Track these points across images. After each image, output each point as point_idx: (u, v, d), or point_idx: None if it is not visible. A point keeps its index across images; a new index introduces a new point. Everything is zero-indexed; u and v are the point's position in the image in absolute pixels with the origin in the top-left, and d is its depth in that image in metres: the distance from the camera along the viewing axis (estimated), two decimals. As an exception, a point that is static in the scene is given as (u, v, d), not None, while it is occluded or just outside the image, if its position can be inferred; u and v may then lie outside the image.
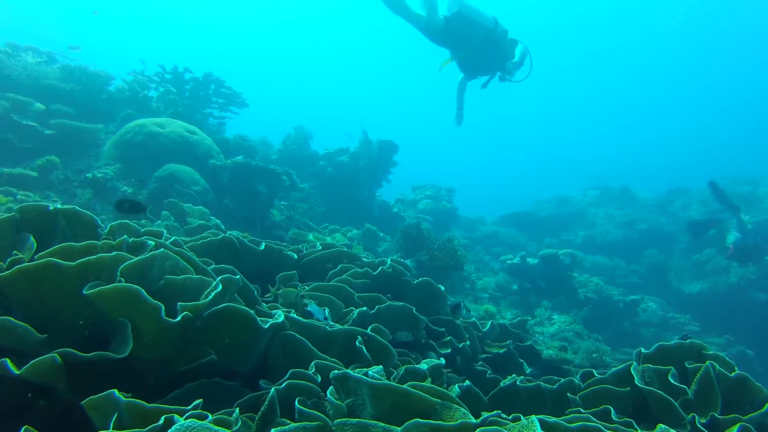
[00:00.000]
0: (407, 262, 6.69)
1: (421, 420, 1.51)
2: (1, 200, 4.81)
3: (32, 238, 2.13)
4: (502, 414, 1.76)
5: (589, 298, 8.31)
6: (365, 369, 2.02)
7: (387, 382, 1.73)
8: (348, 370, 1.85)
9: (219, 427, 1.28)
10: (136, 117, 7.36)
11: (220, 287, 1.94)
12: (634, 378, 2.56)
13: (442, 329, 3.57)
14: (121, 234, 2.17)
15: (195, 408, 1.57)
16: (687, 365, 2.66)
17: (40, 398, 1.93)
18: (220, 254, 3.35)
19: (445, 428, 1.49)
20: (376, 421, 1.68)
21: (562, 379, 2.90)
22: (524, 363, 4.14)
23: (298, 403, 1.72)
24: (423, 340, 3.36)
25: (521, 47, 6.16)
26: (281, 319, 2.06)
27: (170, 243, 2.26)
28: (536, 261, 8.79)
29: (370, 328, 2.78)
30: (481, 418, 1.61)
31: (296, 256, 3.69)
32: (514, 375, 3.27)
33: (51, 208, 2.21)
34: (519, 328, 4.92)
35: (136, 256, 1.92)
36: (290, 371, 1.93)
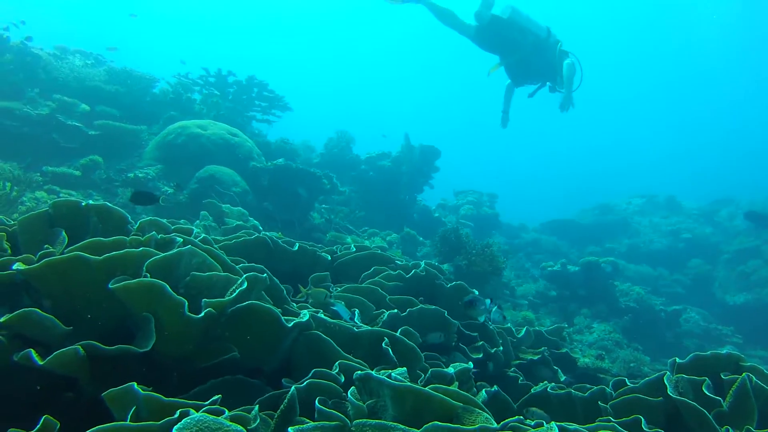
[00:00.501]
0: (445, 266, 6.65)
1: (440, 423, 1.48)
2: (44, 198, 4.94)
3: (64, 233, 2.16)
4: (525, 420, 1.71)
5: (630, 308, 8.11)
6: (389, 371, 1.99)
7: (408, 384, 1.69)
8: (370, 371, 1.81)
9: (233, 423, 1.26)
10: (179, 119, 7.51)
11: (245, 285, 1.93)
12: (666, 388, 2.47)
13: (475, 334, 3.51)
14: (151, 230, 2.19)
15: (213, 403, 1.56)
16: (723, 377, 2.56)
17: (67, 391, 1.96)
18: (253, 254, 3.37)
19: (463, 431, 1.44)
20: (396, 423, 1.64)
21: (594, 387, 2.82)
22: (559, 370, 4.05)
23: (319, 403, 1.69)
24: (453, 344, 3.31)
25: (569, 61, 6.00)
26: (306, 318, 2.04)
27: (199, 241, 2.27)
28: (577, 268, 8.62)
29: (399, 330, 2.74)
30: (503, 422, 1.56)
31: (330, 258, 3.68)
32: (545, 382, 3.19)
33: (83, 204, 2.24)
34: (555, 336, 4.81)
35: (164, 253, 1.93)
36: (313, 371, 1.91)
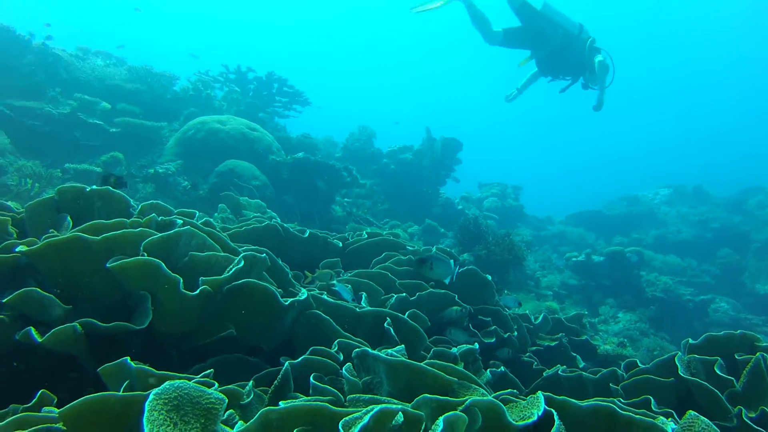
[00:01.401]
0: (464, 256, 6.62)
1: (429, 395, 1.46)
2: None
3: (69, 218, 2.20)
4: (519, 394, 1.69)
5: (657, 298, 7.98)
6: (389, 349, 1.98)
7: (402, 359, 1.69)
8: (367, 348, 1.81)
9: (213, 390, 1.26)
10: (199, 115, 7.58)
11: (242, 264, 1.94)
12: (678, 368, 2.42)
13: (488, 318, 3.48)
14: (152, 213, 2.21)
15: (205, 377, 1.57)
16: (737, 357, 2.50)
17: (71, 371, 1.99)
18: (264, 241, 3.39)
19: (453, 403, 1.43)
20: (389, 398, 1.64)
21: (605, 370, 2.78)
22: (578, 357, 4.00)
23: (313, 379, 1.70)
24: (464, 327, 3.29)
25: (601, 58, 5.95)
26: (304, 296, 2.04)
27: (201, 223, 2.29)
28: (602, 259, 8.51)
29: (407, 313, 2.73)
30: (494, 394, 1.54)
31: (341, 244, 3.69)
32: (558, 365, 3.15)
33: (87, 189, 2.27)
34: (575, 323, 4.76)
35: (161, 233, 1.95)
36: (311, 348, 1.91)
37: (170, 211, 2.36)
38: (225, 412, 1.36)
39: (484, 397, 1.53)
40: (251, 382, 1.68)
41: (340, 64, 54.08)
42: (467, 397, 1.49)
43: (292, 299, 1.98)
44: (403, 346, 2.01)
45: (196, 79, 8.59)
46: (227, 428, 1.27)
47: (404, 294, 3.01)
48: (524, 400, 1.50)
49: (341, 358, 1.93)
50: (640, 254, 8.48)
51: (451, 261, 2.81)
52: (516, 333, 3.60)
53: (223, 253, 2.06)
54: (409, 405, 1.53)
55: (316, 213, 7.36)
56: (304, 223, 6.69)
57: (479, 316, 3.46)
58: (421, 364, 1.66)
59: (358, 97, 52.38)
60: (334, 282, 2.49)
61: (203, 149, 6.87)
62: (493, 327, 3.42)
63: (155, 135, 7.04)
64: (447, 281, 2.90)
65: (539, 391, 1.42)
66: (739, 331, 2.67)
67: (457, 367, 1.78)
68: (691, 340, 2.71)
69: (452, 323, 3.25)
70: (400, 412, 1.23)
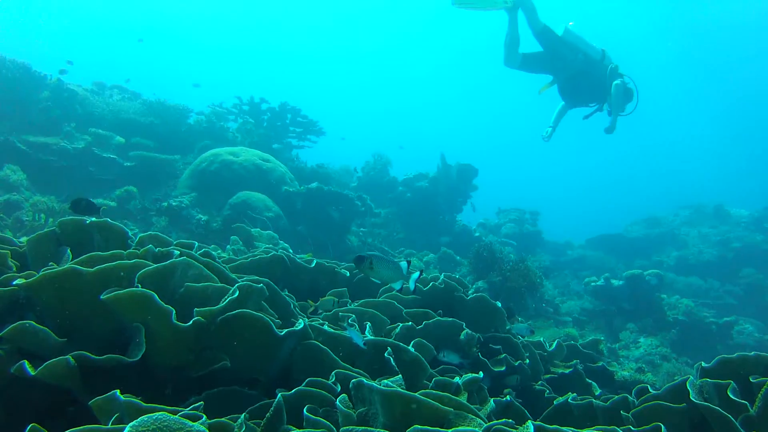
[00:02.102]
0: (479, 283, 6.56)
1: (419, 426, 1.42)
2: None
3: (69, 251, 2.21)
4: (512, 422, 1.64)
5: (679, 321, 7.83)
6: (386, 380, 1.95)
7: (396, 389, 1.65)
8: (363, 378, 1.78)
9: (195, 424, 1.24)
10: (213, 147, 7.67)
11: (237, 294, 1.93)
12: (689, 393, 2.34)
13: (498, 346, 3.42)
14: (152, 244, 2.22)
15: (194, 409, 1.54)
16: (751, 380, 2.41)
17: (69, 404, 1.98)
18: (270, 272, 3.38)
19: (443, 434, 1.39)
20: (383, 430, 1.60)
21: (616, 396, 2.71)
22: (593, 384, 3.90)
23: (306, 411, 1.67)
24: (470, 359, 3.23)
25: (618, 82, 5.94)
26: (300, 326, 2.02)
27: (199, 254, 2.28)
28: (621, 282, 8.42)
29: (412, 342, 2.69)
30: (487, 425, 1.50)
31: (348, 274, 3.66)
32: (570, 393, 3.07)
33: (87, 221, 2.29)
34: (591, 349, 4.67)
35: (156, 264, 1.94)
36: (307, 380, 1.88)
37: (169, 242, 2.37)
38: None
39: (470, 427, 1.48)
40: (243, 414, 1.65)
41: (356, 92, 54.41)
42: (462, 427, 1.45)
43: (287, 330, 1.95)
44: (400, 375, 1.97)
45: (210, 111, 8.72)
46: (208, 462, 1.24)
47: (410, 323, 2.97)
48: (514, 429, 1.45)
49: (338, 389, 1.90)
50: (660, 277, 8.34)
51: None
52: (528, 361, 3.54)
53: (219, 284, 2.05)
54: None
55: (330, 243, 7.36)
56: (317, 253, 6.68)
57: (489, 344, 3.41)
58: (416, 394, 1.63)
59: (375, 126, 52.58)
60: (345, 325, 2.44)
61: (216, 181, 6.93)
62: (503, 355, 3.36)
63: (169, 168, 7.13)
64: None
65: (528, 421, 1.37)
66: (753, 353, 2.58)
67: (454, 397, 1.74)
68: (704, 363, 2.62)
69: (459, 348, 3.20)
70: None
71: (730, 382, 2.37)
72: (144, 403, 1.52)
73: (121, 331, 1.93)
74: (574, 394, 3.03)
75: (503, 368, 3.28)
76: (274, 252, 3.44)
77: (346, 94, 54.04)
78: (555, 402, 2.94)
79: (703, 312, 8.36)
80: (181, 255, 2.10)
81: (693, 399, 2.33)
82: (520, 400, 3.02)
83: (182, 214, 6.32)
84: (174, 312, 1.76)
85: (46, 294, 1.88)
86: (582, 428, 2.84)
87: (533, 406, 3.15)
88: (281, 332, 1.92)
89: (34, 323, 1.77)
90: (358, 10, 41.59)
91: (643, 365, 5.54)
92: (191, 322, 1.77)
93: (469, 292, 6.25)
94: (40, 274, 1.86)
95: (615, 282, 8.46)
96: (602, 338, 5.44)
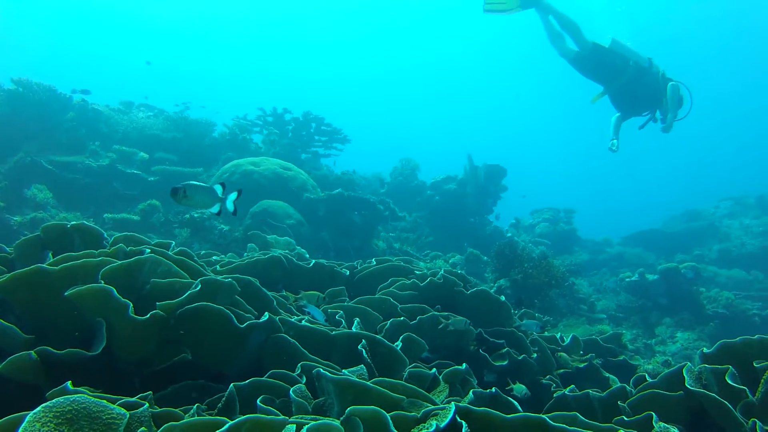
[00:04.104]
0: (501, 281, 6.48)
1: (362, 408, 1.40)
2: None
3: (50, 254, 2.27)
4: (449, 407, 1.60)
5: (719, 314, 7.56)
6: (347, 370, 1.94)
7: (347, 377, 1.64)
8: (320, 368, 1.77)
9: (115, 406, 1.25)
10: (236, 159, 7.79)
11: (198, 287, 1.94)
12: (685, 380, 2.26)
13: (501, 341, 3.35)
14: (127, 245, 2.26)
15: (143, 398, 1.56)
16: (755, 365, 2.31)
17: (40, 401, 2.02)
18: (269, 273, 3.41)
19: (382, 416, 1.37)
20: (332, 419, 1.59)
21: (614, 387, 2.63)
22: (612, 378, 3.81)
23: (260, 401, 1.67)
24: (472, 350, 3.19)
25: (674, 83, 6.00)
26: (264, 319, 2.02)
27: (175, 253, 2.32)
28: (656, 277, 8.20)
29: (401, 337, 2.67)
30: (423, 410, 1.47)
31: (348, 273, 3.66)
32: (572, 386, 3.00)
33: (68, 225, 2.35)
34: (612, 343, 4.55)
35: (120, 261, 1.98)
36: (269, 372, 1.89)
37: (144, 241, 2.41)
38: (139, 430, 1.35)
39: (416, 415, 1.46)
40: (196, 405, 1.66)
41: (383, 98, 54.13)
42: (396, 411, 1.43)
43: (249, 322, 1.96)
44: (362, 366, 1.95)
45: (233, 124, 8.87)
46: (130, 445, 1.25)
47: (402, 318, 2.95)
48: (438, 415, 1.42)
49: (304, 380, 1.89)
50: (696, 269, 8.08)
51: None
52: (535, 355, 3.47)
53: (188, 280, 2.07)
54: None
55: (352, 248, 7.37)
56: (340, 259, 6.70)
57: (492, 339, 3.35)
58: (367, 382, 1.61)
59: (403, 131, 52.33)
60: (305, 304, 2.45)
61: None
62: (506, 349, 3.30)
63: (193, 180, 7.25)
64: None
65: (452, 402, 1.34)
66: (756, 336, 2.47)
67: (409, 385, 1.72)
68: (705, 349, 2.52)
69: (460, 338, 3.16)
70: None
71: (729, 368, 2.27)
72: (91, 392, 1.54)
73: (90, 328, 1.97)
74: (572, 386, 2.96)
75: (505, 362, 3.21)
76: (272, 253, 3.47)
77: (374, 101, 53.90)
78: (555, 395, 2.88)
79: (746, 304, 8.06)
80: (151, 253, 2.13)
81: (688, 386, 2.24)
82: (528, 394, 2.97)
83: (204, 225, 6.42)
84: (131, 306, 1.78)
85: (20, 294, 1.93)
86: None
87: (540, 401, 3.09)
88: (242, 324, 1.93)
89: (2, 321, 1.82)
90: (386, 9, 41.81)
91: (669, 358, 5.36)
92: (148, 315, 1.79)
93: (492, 290, 6.21)
94: (10, 274, 1.91)
95: (650, 277, 8.25)
96: (623, 332, 5.31)
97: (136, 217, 6.13)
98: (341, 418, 1.26)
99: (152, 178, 6.81)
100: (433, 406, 1.58)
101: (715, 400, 2.14)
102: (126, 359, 1.89)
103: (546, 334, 4.34)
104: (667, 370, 2.50)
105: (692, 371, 2.38)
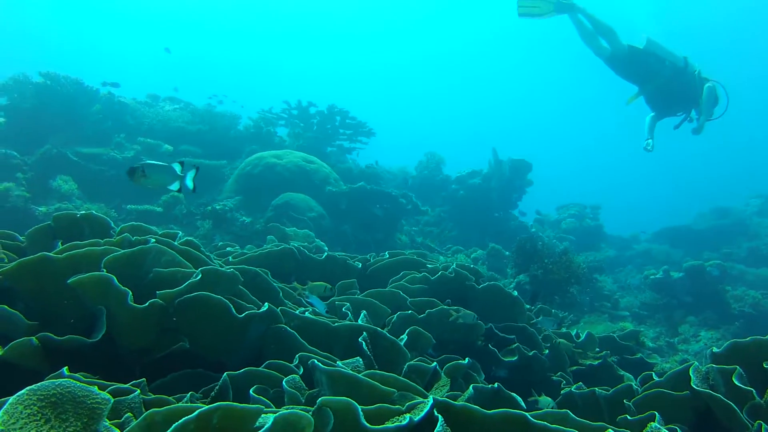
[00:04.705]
0: (521, 277, 6.42)
1: (333, 398, 1.41)
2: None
3: (60, 243, 2.32)
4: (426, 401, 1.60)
5: (745, 313, 7.41)
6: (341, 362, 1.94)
7: (339, 369, 1.65)
8: (315, 360, 1.78)
9: (102, 392, 1.27)
10: (260, 152, 7.85)
11: (198, 277, 1.97)
12: (691, 380, 2.21)
13: (512, 336, 3.33)
14: (133, 234, 2.30)
15: (135, 386, 1.59)
16: (765, 366, 2.26)
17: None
18: (281, 265, 3.44)
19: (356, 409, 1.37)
20: (304, 409, 1.60)
21: (622, 385, 2.59)
22: (627, 375, 3.75)
23: (253, 391, 1.68)
24: (480, 345, 3.17)
25: (710, 84, 5.98)
26: (264, 309, 2.03)
27: (181, 243, 2.35)
28: (680, 274, 8.07)
29: (407, 330, 2.67)
30: (408, 403, 1.47)
31: (360, 266, 3.67)
32: (580, 383, 2.97)
33: (78, 215, 2.40)
34: (629, 340, 4.49)
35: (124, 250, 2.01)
36: (267, 362, 1.90)
37: (150, 231, 2.44)
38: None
39: (400, 407, 1.46)
40: (190, 393, 1.69)
41: (409, 92, 53.80)
42: (378, 405, 1.43)
43: (248, 312, 1.98)
44: (358, 358, 1.96)
45: (258, 117, 8.93)
46: (114, 428, 1.27)
47: (410, 312, 2.95)
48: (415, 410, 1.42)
49: (301, 371, 1.91)
50: (723, 267, 7.94)
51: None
52: (547, 351, 3.43)
53: (190, 270, 2.09)
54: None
55: (373, 242, 7.38)
56: (361, 252, 6.72)
57: (501, 334, 3.32)
58: (358, 374, 1.62)
59: (429, 125, 51.94)
60: (307, 294, 2.46)
61: (261, 184, 7.09)
62: (516, 345, 3.27)
63: (216, 173, 7.35)
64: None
65: (431, 396, 1.34)
66: (767, 336, 2.41)
67: (401, 378, 1.72)
68: (714, 348, 2.47)
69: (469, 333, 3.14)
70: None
71: (736, 368, 2.23)
72: (86, 378, 1.57)
73: (93, 316, 2.01)
74: (580, 383, 2.93)
75: (515, 358, 3.19)
76: (284, 245, 3.50)
77: (401, 95, 53.60)
78: (562, 392, 2.86)
79: (775, 303, 7.90)
80: (157, 242, 2.16)
81: (694, 386, 2.20)
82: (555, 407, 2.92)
83: (226, 217, 6.49)
84: (130, 294, 1.81)
85: (26, 281, 1.98)
86: (585, 416, 2.75)
87: (552, 397, 3.06)
88: (240, 315, 1.95)
89: (7, 308, 1.87)
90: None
91: (689, 357, 5.28)
92: (147, 303, 1.82)
93: (511, 286, 6.16)
94: (16, 262, 1.96)
95: (674, 274, 8.12)
96: (642, 330, 5.23)
97: (159, 209, 6.22)
98: (312, 408, 1.26)
99: (176, 170, 6.89)
100: (421, 400, 1.58)
101: (721, 401, 2.10)
102: (126, 347, 1.93)
103: (563, 330, 4.31)
104: (674, 369, 2.46)
105: (699, 371, 2.34)
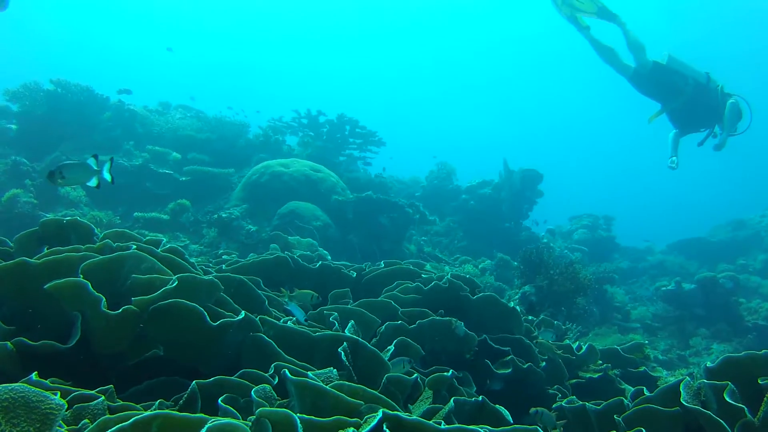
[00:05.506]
0: (526, 288, 6.36)
1: (272, 410, 1.38)
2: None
3: (46, 248, 2.33)
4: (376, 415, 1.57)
5: (759, 326, 7.30)
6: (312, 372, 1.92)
7: (304, 379, 1.63)
8: (286, 370, 1.76)
9: (56, 396, 1.27)
10: (268, 160, 7.88)
11: (174, 284, 1.96)
12: (681, 395, 2.16)
13: (506, 348, 3.28)
14: (116, 240, 2.30)
15: (102, 392, 1.58)
16: (760, 382, 2.20)
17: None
18: (276, 273, 3.43)
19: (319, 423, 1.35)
20: (241, 420, 1.58)
21: (612, 399, 2.54)
22: (628, 389, 3.68)
23: (221, 401, 1.66)
24: (469, 358, 3.13)
25: (733, 100, 5.94)
26: (240, 317, 2.02)
27: (164, 250, 2.35)
28: (692, 286, 7.98)
29: (395, 341, 2.65)
30: (367, 416, 1.45)
31: (355, 275, 3.65)
32: (572, 398, 2.92)
33: (64, 221, 2.41)
34: (634, 353, 4.42)
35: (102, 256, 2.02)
36: (240, 371, 1.89)
37: (134, 237, 2.45)
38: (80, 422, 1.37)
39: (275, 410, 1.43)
40: (159, 401, 1.68)
41: (420, 102, 53.65)
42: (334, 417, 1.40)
43: (222, 320, 1.97)
44: (332, 368, 1.94)
45: (267, 126, 8.97)
46: (66, 435, 1.27)
47: (399, 322, 2.92)
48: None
49: (275, 381, 1.89)
50: (736, 279, 7.83)
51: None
52: (544, 363, 3.38)
53: (168, 277, 2.09)
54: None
55: (380, 251, 7.36)
56: (364, 260, 6.69)
57: (496, 346, 3.28)
58: (326, 386, 1.60)
59: (440, 135, 51.68)
60: (287, 301, 2.45)
61: (267, 192, 7.11)
62: (510, 357, 3.23)
63: (224, 181, 7.38)
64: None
65: (381, 410, 1.31)
66: (763, 352, 2.34)
67: (370, 390, 1.70)
68: (708, 363, 2.41)
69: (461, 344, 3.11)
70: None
71: (728, 384, 2.17)
72: (52, 383, 1.57)
73: (71, 323, 2.01)
74: (572, 398, 2.88)
75: (509, 371, 3.14)
76: (278, 254, 3.49)
77: (412, 105, 53.56)
78: (553, 406, 2.81)
79: (791, 316, 7.77)
80: (138, 249, 2.16)
81: (684, 402, 2.15)
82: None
83: (232, 225, 6.51)
84: (104, 300, 1.81)
85: (6, 286, 1.98)
86: (576, 430, 2.72)
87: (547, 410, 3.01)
88: (215, 322, 1.94)
89: (-18, 312, 1.88)
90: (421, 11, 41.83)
91: (695, 370, 5.19)
92: (121, 309, 1.82)
93: (516, 296, 6.10)
94: (-5, 267, 1.97)
95: (686, 286, 8.03)
96: (645, 343, 5.14)
97: (165, 217, 6.26)
98: (251, 419, 1.24)
99: (184, 178, 6.96)
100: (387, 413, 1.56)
101: (711, 418, 2.05)
102: (101, 353, 1.92)
103: (565, 342, 4.25)
104: (665, 384, 2.40)
105: (690, 386, 2.28)
